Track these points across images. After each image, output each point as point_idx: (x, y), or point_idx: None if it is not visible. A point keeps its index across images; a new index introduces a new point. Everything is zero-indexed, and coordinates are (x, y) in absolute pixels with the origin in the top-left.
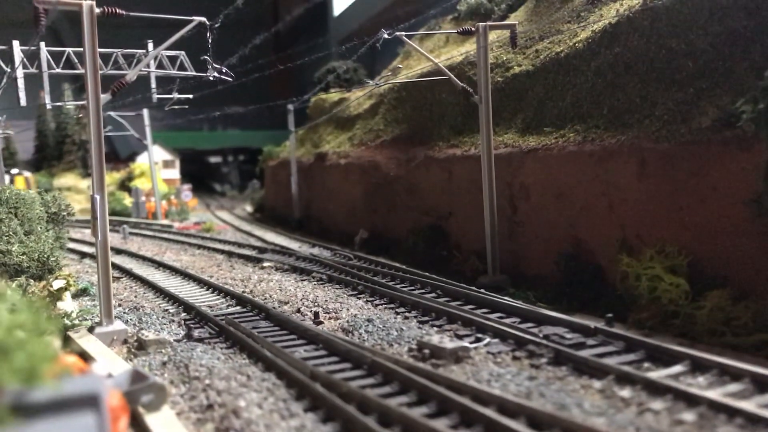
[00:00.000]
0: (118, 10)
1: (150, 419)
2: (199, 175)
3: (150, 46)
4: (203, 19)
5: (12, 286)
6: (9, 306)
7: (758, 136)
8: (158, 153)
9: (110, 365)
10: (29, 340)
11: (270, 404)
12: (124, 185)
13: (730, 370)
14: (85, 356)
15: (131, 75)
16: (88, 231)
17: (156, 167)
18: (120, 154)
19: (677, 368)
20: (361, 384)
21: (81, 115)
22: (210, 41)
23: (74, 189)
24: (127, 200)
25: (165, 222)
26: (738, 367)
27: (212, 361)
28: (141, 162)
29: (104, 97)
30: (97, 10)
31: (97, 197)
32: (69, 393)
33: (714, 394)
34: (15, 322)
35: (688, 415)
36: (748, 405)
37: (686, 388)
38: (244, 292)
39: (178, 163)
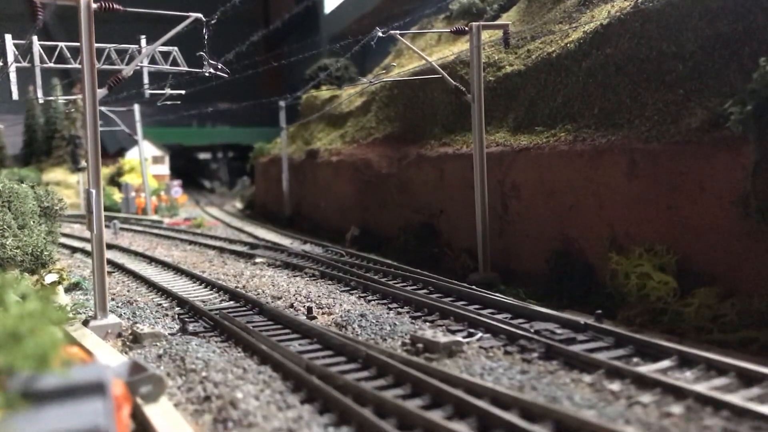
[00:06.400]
0: (114, 5)
1: (148, 410)
2: (188, 171)
3: (143, 41)
4: (200, 15)
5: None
6: (19, 295)
7: (746, 138)
8: (148, 149)
9: (107, 357)
10: (38, 328)
11: (267, 396)
12: (114, 181)
13: (716, 365)
14: (81, 348)
15: (128, 70)
16: (77, 226)
17: (146, 163)
18: (108, 150)
19: (665, 363)
20: (356, 377)
21: (73, 110)
22: (205, 38)
23: (63, 184)
24: (117, 196)
25: (155, 218)
26: (724, 362)
27: (208, 354)
28: (131, 157)
29: (101, 92)
30: (93, 5)
31: (93, 192)
32: (77, 380)
33: (701, 387)
34: (25, 311)
35: (676, 408)
36: (734, 398)
37: (674, 382)
38: (237, 287)
39: (167, 159)
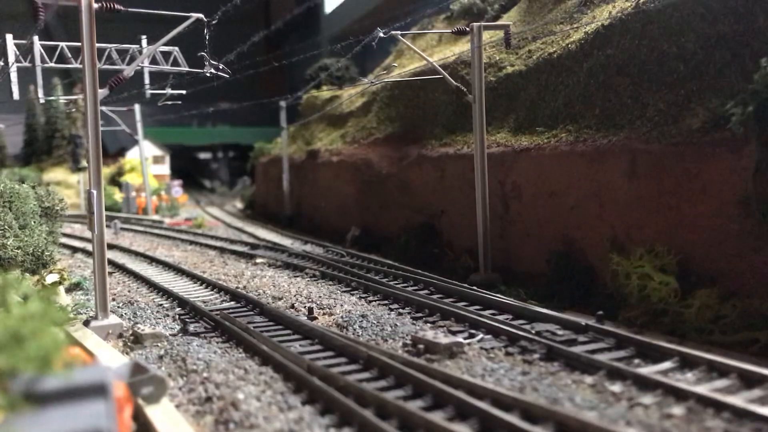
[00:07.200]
0: (116, 6)
1: (150, 411)
2: (189, 171)
3: (144, 41)
4: (201, 15)
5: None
6: (20, 295)
7: (747, 139)
8: (148, 148)
9: (108, 358)
10: (41, 329)
11: (268, 397)
12: (114, 180)
13: (717, 367)
14: (82, 349)
15: (129, 70)
16: (78, 226)
17: (146, 163)
18: (109, 150)
19: (666, 364)
20: (357, 378)
21: (73, 110)
22: (207, 38)
23: (63, 183)
24: (117, 195)
25: (155, 218)
26: (726, 363)
27: (209, 355)
28: (131, 157)
29: (102, 92)
30: (95, 5)
31: (94, 192)
32: (79, 381)
33: (702, 389)
34: (27, 312)
35: (677, 410)
36: (736, 400)
37: (675, 384)
38: (237, 287)
39: (168, 159)
